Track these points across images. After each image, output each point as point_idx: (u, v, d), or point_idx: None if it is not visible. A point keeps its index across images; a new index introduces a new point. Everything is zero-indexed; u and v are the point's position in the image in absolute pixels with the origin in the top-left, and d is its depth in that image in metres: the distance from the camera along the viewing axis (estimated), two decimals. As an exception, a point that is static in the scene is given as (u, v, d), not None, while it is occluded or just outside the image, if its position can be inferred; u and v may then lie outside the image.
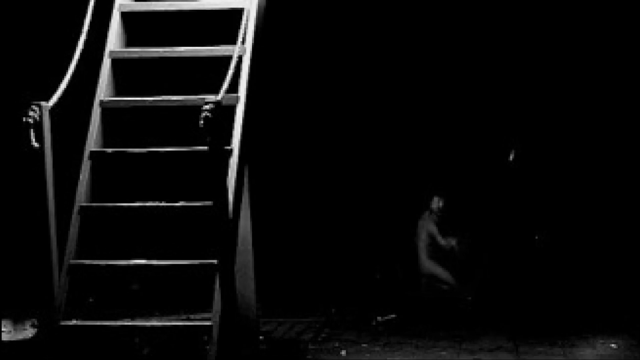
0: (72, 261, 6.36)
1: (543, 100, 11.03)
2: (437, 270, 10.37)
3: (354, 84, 11.09)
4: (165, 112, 6.81)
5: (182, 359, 7.00)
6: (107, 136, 6.78)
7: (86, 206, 6.50)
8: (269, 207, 9.97)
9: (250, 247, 7.32)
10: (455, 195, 10.62)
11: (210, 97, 6.12)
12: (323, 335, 8.83)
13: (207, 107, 6.00)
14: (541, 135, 10.99)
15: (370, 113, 11.13)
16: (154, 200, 6.52)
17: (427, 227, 10.46)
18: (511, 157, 10.80)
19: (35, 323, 8.17)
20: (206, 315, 6.38)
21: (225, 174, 6.26)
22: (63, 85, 6.49)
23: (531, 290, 10.07)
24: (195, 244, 6.41)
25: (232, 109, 6.57)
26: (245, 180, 6.87)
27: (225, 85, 6.35)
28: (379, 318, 9.47)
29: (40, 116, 6.21)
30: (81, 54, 6.66)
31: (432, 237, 10.44)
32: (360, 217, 11.06)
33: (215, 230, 6.11)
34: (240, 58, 6.65)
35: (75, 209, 6.47)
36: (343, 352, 8.21)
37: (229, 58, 6.52)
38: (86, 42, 6.71)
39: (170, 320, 8.28)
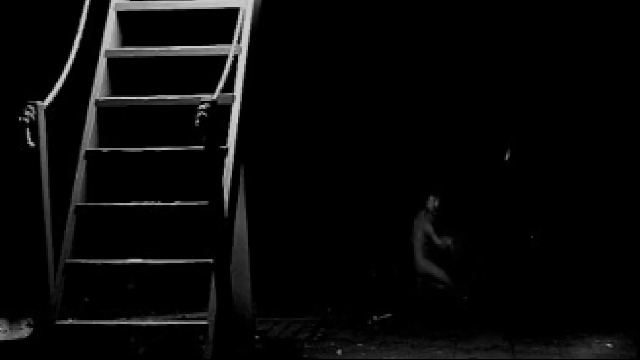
0: (68, 260, 6.36)
1: (539, 99, 11.02)
2: (432, 269, 10.36)
3: (349, 83, 11.08)
4: (161, 112, 6.81)
5: (178, 358, 7.00)
6: (103, 135, 6.78)
7: (82, 205, 6.50)
8: (265, 206, 9.95)
9: (246, 246, 7.31)
10: (451, 195, 10.62)
11: (206, 97, 6.12)
12: (319, 334, 8.82)
13: (202, 106, 6.00)
14: (537, 135, 10.98)
15: (366, 112, 11.11)
16: (149, 199, 6.51)
17: (423, 226, 10.46)
18: (507, 157, 10.80)
19: (31, 322, 8.16)
20: (202, 314, 6.39)
21: (221, 173, 6.26)
22: (59, 85, 6.49)
23: (527, 289, 10.07)
24: (191, 244, 6.41)
25: (228, 108, 6.57)
26: (241, 179, 6.88)
27: (221, 85, 6.35)
28: (374, 317, 9.47)
29: (36, 115, 6.21)
30: (77, 53, 6.66)
31: (427, 237, 10.44)
32: (356, 217, 11.05)
33: (211, 230, 6.11)
34: (236, 57, 6.65)
35: (71, 208, 6.48)
36: (339, 352, 8.21)
37: (225, 57, 6.53)
38: (82, 42, 6.71)
39: (166, 320, 8.28)
